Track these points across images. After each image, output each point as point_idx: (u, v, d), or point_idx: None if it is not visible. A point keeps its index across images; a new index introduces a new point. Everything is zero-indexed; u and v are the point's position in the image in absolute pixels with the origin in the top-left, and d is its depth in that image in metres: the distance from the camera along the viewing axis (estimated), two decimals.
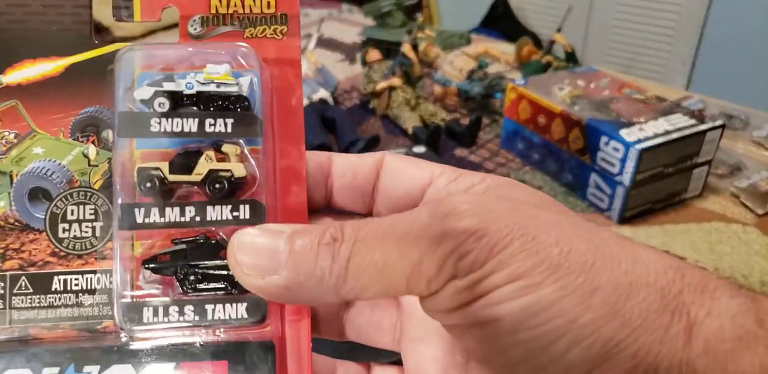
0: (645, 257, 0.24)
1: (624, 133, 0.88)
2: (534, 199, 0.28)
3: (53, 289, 0.29)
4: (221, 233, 0.30)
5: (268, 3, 0.31)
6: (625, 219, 0.92)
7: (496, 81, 1.20)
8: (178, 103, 0.30)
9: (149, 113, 0.30)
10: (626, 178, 0.88)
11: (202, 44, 0.31)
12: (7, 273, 0.29)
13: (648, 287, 0.23)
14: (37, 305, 0.29)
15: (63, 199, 0.30)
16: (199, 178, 0.30)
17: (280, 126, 0.31)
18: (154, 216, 0.29)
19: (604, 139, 0.90)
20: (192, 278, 0.29)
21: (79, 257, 0.30)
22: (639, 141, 0.86)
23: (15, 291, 0.29)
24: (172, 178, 0.29)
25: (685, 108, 0.97)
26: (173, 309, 0.29)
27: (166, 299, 0.29)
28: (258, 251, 0.26)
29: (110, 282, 0.29)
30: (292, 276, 0.25)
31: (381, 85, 1.18)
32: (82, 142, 0.30)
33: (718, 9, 2.11)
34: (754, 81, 2.02)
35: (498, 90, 1.19)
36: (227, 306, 0.29)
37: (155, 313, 0.29)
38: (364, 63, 1.29)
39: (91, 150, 0.30)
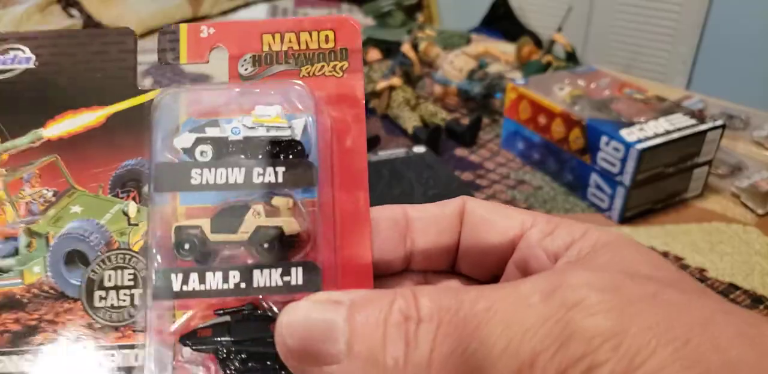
0: None
1: (624, 133, 0.88)
2: (653, 265, 0.23)
3: (86, 367, 0.26)
4: (269, 303, 0.26)
5: (327, 37, 0.28)
6: (625, 219, 0.91)
7: (496, 81, 1.19)
8: (223, 151, 0.27)
9: (189, 163, 0.26)
10: (627, 178, 0.88)
11: (250, 84, 0.27)
12: (39, 348, 0.26)
13: None
14: None
15: (100, 263, 0.27)
16: (245, 237, 0.26)
17: (339, 173, 0.27)
18: (194, 283, 0.25)
19: (604, 139, 0.89)
20: (236, 358, 0.25)
21: (116, 329, 0.27)
22: (639, 141, 0.86)
23: (45, 369, 0.26)
24: (214, 238, 0.26)
25: (686, 108, 0.97)
26: None
27: None
28: (311, 333, 0.21)
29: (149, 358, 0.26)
30: (356, 367, 0.21)
31: (381, 85, 1.18)
32: (122, 198, 0.28)
33: (718, 9, 2.11)
34: (754, 81, 2.02)
35: (498, 90, 1.18)
36: None
37: None
38: (364, 63, 1.29)
39: (131, 207, 0.28)
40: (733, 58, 2.10)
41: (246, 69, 0.28)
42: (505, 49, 1.45)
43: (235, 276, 0.25)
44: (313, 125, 0.27)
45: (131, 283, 0.27)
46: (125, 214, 0.28)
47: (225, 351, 0.25)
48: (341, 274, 0.26)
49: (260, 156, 0.26)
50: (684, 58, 2.24)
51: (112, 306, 0.27)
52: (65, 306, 0.27)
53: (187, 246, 0.26)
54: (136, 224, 0.28)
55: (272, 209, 0.26)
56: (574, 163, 0.97)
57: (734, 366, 0.18)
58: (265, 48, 0.28)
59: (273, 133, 0.27)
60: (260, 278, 0.25)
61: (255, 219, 0.26)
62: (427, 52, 1.34)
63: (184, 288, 0.25)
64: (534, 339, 0.19)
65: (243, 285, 0.25)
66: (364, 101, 0.28)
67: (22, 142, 0.28)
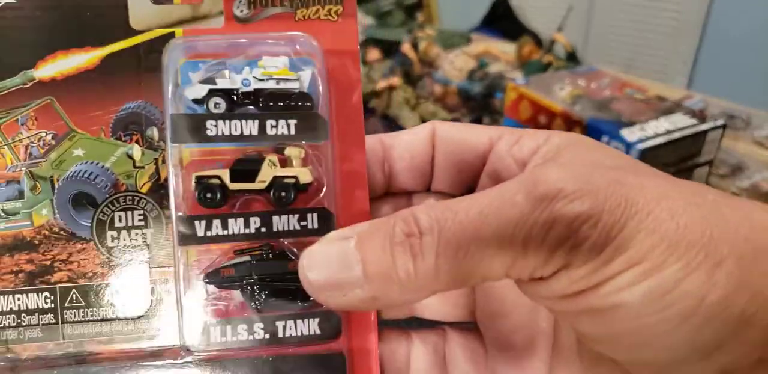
0: (758, 216, 0.22)
1: (625, 132, 0.88)
2: (611, 156, 0.26)
3: (106, 301, 0.27)
4: (285, 243, 0.28)
5: None
6: None
7: (496, 80, 1.19)
8: (235, 102, 0.27)
9: (205, 115, 0.27)
10: None
11: (258, 35, 0.28)
12: (57, 286, 0.27)
13: None
14: (91, 319, 0.27)
15: (109, 204, 0.28)
16: (263, 185, 0.27)
17: (340, 125, 0.28)
18: (217, 229, 0.27)
19: (605, 138, 0.89)
20: (260, 293, 0.27)
21: (131, 267, 0.28)
22: (640, 141, 0.86)
23: (66, 305, 0.27)
24: (233, 187, 0.27)
25: (686, 108, 0.96)
26: (242, 328, 0.27)
27: (234, 317, 0.27)
28: (330, 267, 0.24)
29: (166, 293, 0.28)
30: (375, 286, 0.23)
31: (381, 84, 1.18)
32: (125, 141, 0.28)
33: (719, 8, 2.10)
34: (755, 81, 2.01)
35: (498, 90, 1.18)
36: (299, 322, 0.27)
37: (223, 333, 0.27)
38: (364, 62, 1.29)
39: (136, 150, 0.28)
40: (733, 58, 2.10)
41: (242, 10, 0.28)
42: (505, 48, 1.44)
43: (255, 222, 0.27)
44: (321, 79, 0.28)
45: (142, 223, 0.28)
46: (130, 157, 0.28)
47: (249, 288, 0.27)
48: (342, 222, 0.28)
49: (272, 108, 0.28)
50: (684, 58, 2.23)
51: (125, 246, 0.28)
52: (77, 246, 0.28)
53: (209, 195, 0.27)
54: (142, 167, 0.28)
55: (285, 158, 0.28)
56: None
57: (685, 229, 0.21)
58: None
59: (282, 85, 0.28)
60: (279, 223, 0.27)
61: (271, 169, 0.27)
62: (427, 52, 1.34)
63: (208, 233, 0.27)
64: (524, 230, 0.22)
65: (264, 230, 0.27)
66: (359, 47, 0.29)
67: (13, 82, 0.27)
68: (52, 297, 0.27)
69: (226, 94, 0.27)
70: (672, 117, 0.91)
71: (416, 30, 1.33)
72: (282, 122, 0.27)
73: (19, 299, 0.27)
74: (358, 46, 0.28)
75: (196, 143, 0.27)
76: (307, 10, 0.28)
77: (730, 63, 2.12)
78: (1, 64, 0.27)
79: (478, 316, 0.31)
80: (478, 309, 0.31)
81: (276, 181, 0.27)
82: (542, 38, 1.88)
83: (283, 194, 0.27)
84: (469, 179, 0.30)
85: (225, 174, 0.27)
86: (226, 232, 0.27)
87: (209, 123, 0.27)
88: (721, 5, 2.10)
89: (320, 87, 0.28)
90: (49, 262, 0.27)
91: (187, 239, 0.27)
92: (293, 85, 0.28)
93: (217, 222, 0.27)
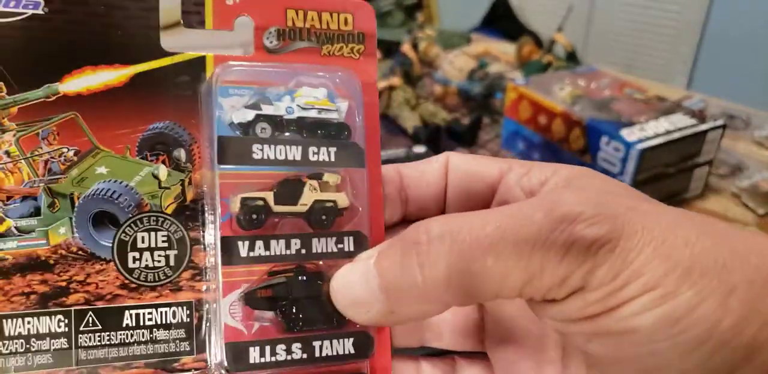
0: (766, 246, 0.23)
1: (625, 133, 0.88)
2: (621, 187, 0.27)
3: (124, 325, 0.26)
4: (318, 264, 0.28)
5: (346, 19, 0.30)
6: None
7: (496, 81, 1.19)
8: (279, 128, 0.29)
9: (252, 138, 0.28)
10: (627, 178, 0.88)
11: (302, 65, 0.29)
12: (72, 309, 0.26)
13: None
14: (107, 343, 0.26)
15: (132, 225, 0.27)
16: (304, 208, 0.28)
17: (366, 152, 0.30)
18: (260, 250, 0.27)
19: (604, 139, 0.89)
20: (297, 314, 0.28)
21: (152, 289, 0.27)
22: (640, 141, 0.86)
23: (81, 329, 0.26)
24: (277, 209, 0.28)
25: (686, 108, 0.97)
26: (280, 348, 0.27)
27: (272, 337, 0.27)
28: (353, 287, 0.26)
29: (187, 316, 0.27)
30: (390, 299, 0.24)
31: (381, 84, 1.18)
32: (151, 161, 0.27)
33: (719, 8, 2.10)
34: (755, 81, 2.01)
35: (498, 90, 1.18)
36: (335, 341, 0.28)
37: (262, 353, 0.27)
38: None
39: (162, 171, 0.27)
40: (733, 58, 2.10)
41: (271, 42, 0.29)
42: (505, 49, 1.45)
43: (296, 243, 0.28)
44: (360, 110, 0.30)
45: (165, 244, 0.27)
46: (156, 177, 0.28)
47: (286, 308, 0.28)
48: (372, 241, 0.29)
49: (314, 136, 0.29)
50: (684, 58, 2.23)
51: (147, 267, 0.27)
52: (96, 267, 0.27)
53: (254, 216, 0.28)
54: (168, 188, 0.28)
55: (323, 184, 0.29)
56: (574, 163, 0.96)
57: (698, 256, 0.22)
58: (289, 23, 0.29)
59: (323, 115, 0.29)
60: (318, 245, 0.28)
61: (312, 193, 0.29)
62: (427, 52, 1.34)
63: (251, 254, 0.27)
64: (540, 251, 0.22)
65: (303, 251, 0.28)
66: (377, 85, 0.30)
67: (36, 95, 0.26)
68: (66, 320, 0.26)
69: (271, 119, 0.28)
70: (672, 117, 0.92)
71: (416, 30, 1.33)
72: (323, 150, 0.29)
73: (29, 322, 0.26)
74: (376, 83, 0.30)
75: (242, 165, 0.28)
76: (332, 46, 0.29)
77: (730, 63, 2.12)
78: (26, 75, 0.26)
79: (488, 345, 0.31)
80: (487, 337, 0.31)
81: (316, 204, 0.29)
82: (542, 38, 1.88)
83: (324, 217, 0.29)
84: (480, 208, 0.31)
85: (269, 197, 0.28)
86: (267, 253, 0.28)
87: (255, 147, 0.28)
88: (721, 5, 2.10)
89: (357, 117, 0.30)
90: (64, 283, 0.26)
91: (231, 259, 0.27)
92: (333, 116, 0.29)
93: (260, 243, 0.28)
